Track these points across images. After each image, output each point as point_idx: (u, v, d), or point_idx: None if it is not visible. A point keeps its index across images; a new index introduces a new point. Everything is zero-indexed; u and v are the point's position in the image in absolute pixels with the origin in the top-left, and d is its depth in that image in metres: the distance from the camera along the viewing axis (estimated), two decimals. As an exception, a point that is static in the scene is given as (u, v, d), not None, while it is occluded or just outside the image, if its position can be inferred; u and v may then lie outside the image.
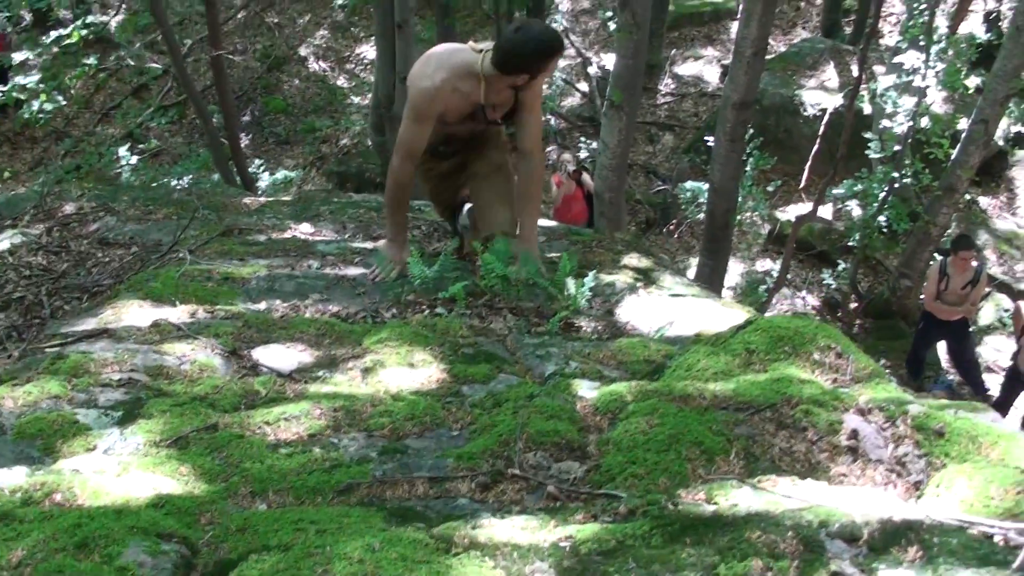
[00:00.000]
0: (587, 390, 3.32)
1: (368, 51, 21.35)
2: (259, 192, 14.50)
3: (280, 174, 16.58)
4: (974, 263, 11.84)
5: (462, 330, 4.18)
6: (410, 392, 3.51)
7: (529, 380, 3.72)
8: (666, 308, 4.94)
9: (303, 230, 6.48)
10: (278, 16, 23.01)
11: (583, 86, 20.38)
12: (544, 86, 19.60)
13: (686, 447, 2.71)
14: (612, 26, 15.86)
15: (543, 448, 2.87)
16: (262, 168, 16.83)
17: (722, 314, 4.76)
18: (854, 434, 2.82)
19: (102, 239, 6.20)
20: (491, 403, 3.30)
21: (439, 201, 6.04)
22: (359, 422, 3.14)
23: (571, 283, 4.88)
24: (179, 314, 4.37)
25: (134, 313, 4.36)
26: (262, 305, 4.77)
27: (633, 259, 6.00)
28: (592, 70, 20.35)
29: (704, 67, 21.04)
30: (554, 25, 20.62)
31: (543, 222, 6.61)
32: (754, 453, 2.73)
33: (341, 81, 21.27)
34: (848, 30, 21.41)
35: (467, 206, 5.74)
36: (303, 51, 22.03)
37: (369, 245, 6.03)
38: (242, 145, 16.59)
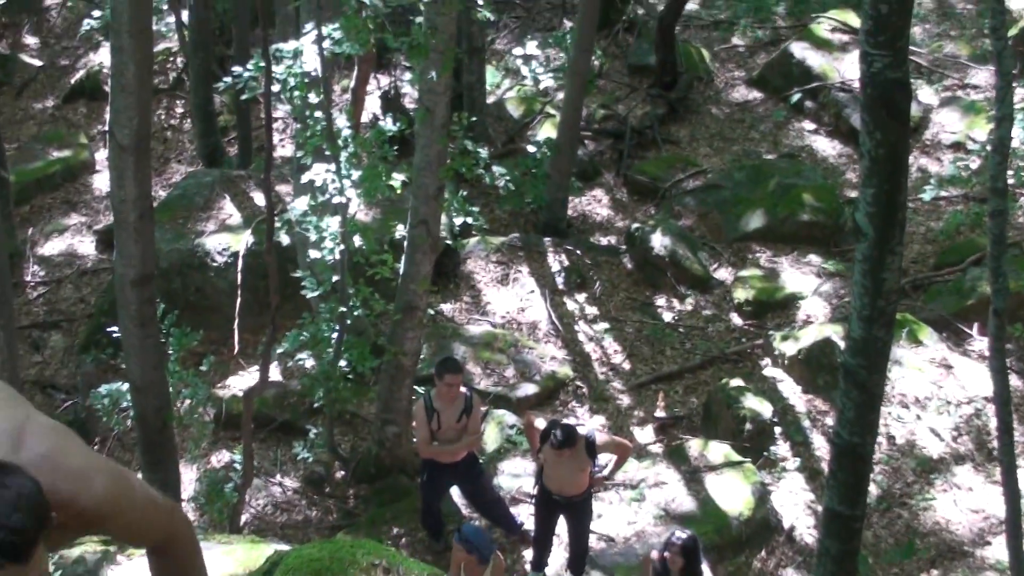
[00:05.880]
0: None
1: None
2: None
3: None
4: (462, 389, 12.60)
5: None
6: None
7: None
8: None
9: None
10: None
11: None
12: None
13: None
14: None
15: None
16: None
17: (232, 557, 4.87)
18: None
19: None
20: None
21: None
22: None
23: None
24: None
25: None
26: None
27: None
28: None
29: (74, 239, 21.01)
30: None
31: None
32: None
33: None
34: (232, 151, 22.20)
35: None
36: None
37: None
38: None
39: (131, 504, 3.57)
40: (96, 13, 20.37)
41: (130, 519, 3.59)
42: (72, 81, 25.49)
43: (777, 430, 15.41)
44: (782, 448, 15.23)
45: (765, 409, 15.48)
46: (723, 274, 18.67)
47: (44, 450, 3.27)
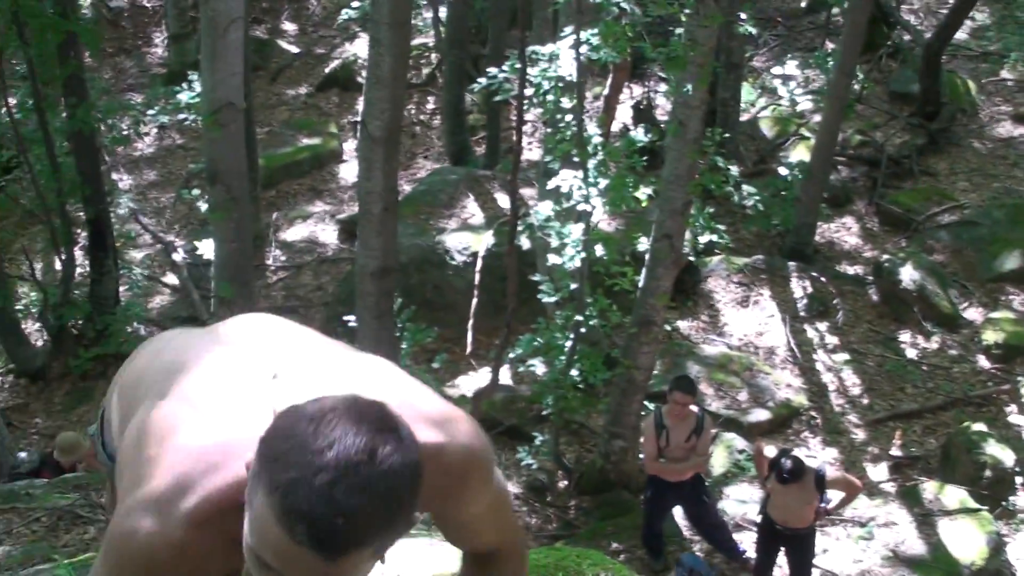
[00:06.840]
0: None
1: None
2: None
3: None
4: (693, 408, 12.59)
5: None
6: None
7: None
8: (389, 557, 5.13)
9: None
10: None
11: (171, 278, 20.40)
12: (121, 286, 19.49)
13: None
14: (203, 206, 16.05)
15: None
16: None
17: (449, 551, 5.00)
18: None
19: None
20: None
21: None
22: None
23: None
24: None
25: None
26: None
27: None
28: (179, 256, 20.43)
29: (316, 227, 21.57)
30: (120, 209, 20.57)
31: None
32: None
33: None
34: (479, 151, 22.53)
35: None
36: None
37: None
38: None
39: (492, 470, 2.76)
40: (355, 3, 20.95)
41: (489, 493, 2.75)
42: (327, 70, 26.18)
43: (1018, 480, 15.00)
44: (1022, 499, 14.86)
45: (1007, 457, 15.05)
46: (973, 314, 18.26)
47: (402, 392, 2.59)
